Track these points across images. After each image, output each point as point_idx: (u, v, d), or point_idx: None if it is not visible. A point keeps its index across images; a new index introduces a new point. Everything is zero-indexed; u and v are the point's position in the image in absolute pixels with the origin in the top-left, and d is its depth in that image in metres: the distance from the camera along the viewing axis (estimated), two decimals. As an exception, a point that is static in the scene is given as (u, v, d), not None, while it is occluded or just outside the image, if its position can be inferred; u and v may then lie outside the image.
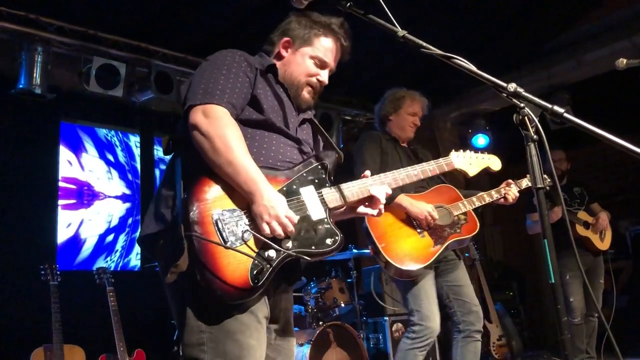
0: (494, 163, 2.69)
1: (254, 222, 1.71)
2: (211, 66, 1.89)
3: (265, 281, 1.68)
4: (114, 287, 4.32)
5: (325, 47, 2.08)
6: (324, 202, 1.86)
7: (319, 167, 1.92)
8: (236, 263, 1.65)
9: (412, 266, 3.14)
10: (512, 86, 1.46)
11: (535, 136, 1.41)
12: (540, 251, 1.46)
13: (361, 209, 2.05)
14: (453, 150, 2.60)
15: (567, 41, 6.01)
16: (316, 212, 1.83)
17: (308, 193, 1.85)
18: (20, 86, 4.66)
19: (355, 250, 5.12)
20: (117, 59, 5.07)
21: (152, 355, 4.40)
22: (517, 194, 3.36)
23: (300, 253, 1.75)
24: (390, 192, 2.07)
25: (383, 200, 2.04)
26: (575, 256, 1.69)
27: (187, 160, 1.79)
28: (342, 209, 2.02)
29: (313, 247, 1.78)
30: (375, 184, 2.02)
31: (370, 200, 2.04)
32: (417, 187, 3.41)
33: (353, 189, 1.96)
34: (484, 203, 3.35)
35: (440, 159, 2.43)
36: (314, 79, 2.08)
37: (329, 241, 1.80)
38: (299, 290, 4.79)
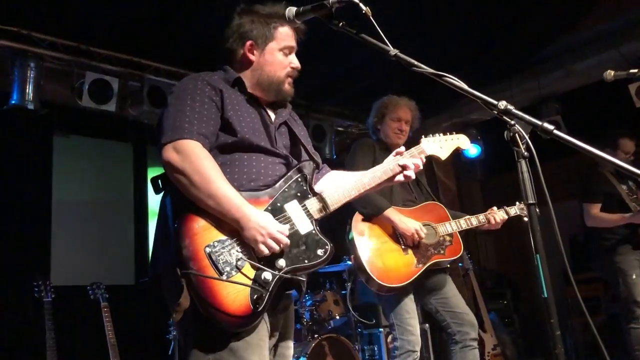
0: (463, 142, 2.60)
1: (246, 248, 1.75)
2: (175, 99, 1.90)
3: (266, 305, 1.72)
4: (108, 303, 4.31)
5: (286, 34, 2.10)
6: (309, 214, 1.90)
7: (299, 179, 1.95)
8: (235, 292, 1.69)
9: (393, 283, 3.11)
10: (502, 104, 1.48)
11: (526, 153, 1.44)
12: (533, 259, 1.47)
13: (398, 178, 2.13)
14: (423, 137, 2.50)
15: (557, 51, 6.08)
16: (303, 226, 1.86)
17: (293, 208, 1.88)
18: (13, 102, 4.66)
19: (349, 262, 5.12)
20: (110, 74, 5.08)
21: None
22: (502, 218, 3.39)
23: (294, 270, 1.79)
24: (420, 165, 2.16)
25: (411, 170, 2.12)
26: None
27: (174, 196, 1.82)
28: (376, 183, 2.08)
29: (306, 261, 1.82)
30: (359, 185, 2.06)
31: (402, 169, 2.12)
32: (405, 201, 3.40)
33: (335, 195, 1.99)
34: (470, 227, 3.36)
35: (413, 148, 2.32)
36: (289, 69, 2.11)
37: (320, 252, 1.85)
38: (294, 303, 4.79)
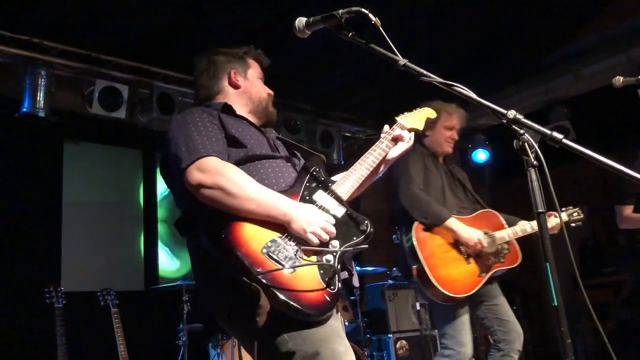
0: (430, 112, 2.54)
1: (298, 240, 1.77)
2: (179, 130, 1.94)
3: (338, 283, 1.75)
4: (118, 309, 4.34)
5: (256, 64, 2.30)
6: (338, 198, 1.94)
7: (314, 172, 1.99)
8: (308, 281, 1.71)
9: (458, 293, 3.08)
10: (511, 113, 1.49)
11: (535, 162, 1.44)
12: (543, 264, 1.48)
13: (393, 153, 2.21)
14: (395, 117, 2.43)
15: (565, 56, 6.08)
16: (338, 210, 1.91)
17: (321, 197, 1.93)
18: (24, 110, 4.70)
19: (358, 268, 5.14)
20: (120, 81, 5.13)
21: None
22: (556, 224, 3.29)
23: (349, 246, 1.83)
24: (411, 135, 2.25)
25: (407, 137, 2.23)
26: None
27: (207, 223, 1.81)
28: (379, 160, 2.15)
29: (354, 238, 1.87)
30: (367, 165, 2.11)
31: (397, 141, 2.21)
32: (458, 208, 3.36)
33: (352, 178, 2.04)
34: (525, 234, 3.30)
35: (394, 125, 2.32)
36: (268, 93, 2.27)
37: (362, 227, 1.90)
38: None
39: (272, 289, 1.65)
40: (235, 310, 1.83)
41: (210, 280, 1.90)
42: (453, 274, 3.11)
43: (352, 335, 4.99)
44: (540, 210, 1.46)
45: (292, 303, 1.65)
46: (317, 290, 1.70)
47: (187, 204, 1.91)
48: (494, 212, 3.43)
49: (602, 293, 6.41)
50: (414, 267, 3.14)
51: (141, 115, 5.30)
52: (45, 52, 4.79)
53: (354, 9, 1.73)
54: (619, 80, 3.14)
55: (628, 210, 4.34)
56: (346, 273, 1.91)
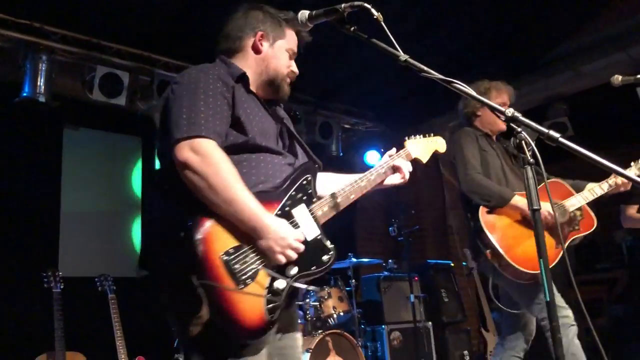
0: (441, 145, 2.53)
1: (261, 255, 1.72)
2: (187, 91, 1.82)
3: (280, 313, 1.71)
4: (115, 295, 4.37)
5: (293, 38, 2.12)
6: (315, 219, 1.89)
7: (304, 182, 1.92)
8: (251, 302, 1.66)
9: (538, 269, 3.02)
10: (509, 111, 1.51)
11: (532, 160, 1.47)
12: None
13: (387, 181, 2.18)
14: (406, 138, 2.43)
15: (565, 53, 6.08)
16: (310, 231, 1.86)
17: (300, 213, 1.87)
18: (24, 94, 4.70)
19: (354, 259, 5.17)
20: (120, 68, 5.13)
21: (153, 363, 4.44)
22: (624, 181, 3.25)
23: (303, 276, 1.79)
24: (410, 168, 2.21)
25: (407, 173, 2.19)
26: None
27: (181, 196, 1.74)
28: (372, 186, 2.11)
29: (313, 267, 1.82)
30: (357, 189, 2.06)
31: (395, 171, 2.18)
32: (521, 185, 3.19)
33: (338, 199, 1.99)
34: (596, 197, 3.24)
35: (401, 151, 2.30)
36: (290, 70, 2.12)
37: (325, 258, 1.85)
38: (303, 298, 4.84)
39: (215, 302, 1.62)
40: (173, 304, 1.79)
41: (168, 245, 1.80)
42: (529, 251, 3.01)
43: (347, 326, 5.04)
44: (536, 208, 1.48)
45: (225, 320, 1.63)
46: (255, 315, 1.66)
47: (171, 166, 1.78)
48: (560, 180, 3.36)
49: (595, 290, 6.46)
50: (487, 251, 3.08)
51: (141, 102, 5.31)
52: (47, 37, 4.78)
53: (356, 3, 1.73)
54: (617, 79, 3.16)
55: (632, 210, 4.35)
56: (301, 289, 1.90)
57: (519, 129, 1.49)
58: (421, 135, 2.44)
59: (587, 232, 3.22)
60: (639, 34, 5.49)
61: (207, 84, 1.83)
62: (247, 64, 2.04)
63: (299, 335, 2.08)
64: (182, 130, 1.73)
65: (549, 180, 3.27)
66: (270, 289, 1.71)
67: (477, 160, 3.28)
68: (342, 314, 4.83)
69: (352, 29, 1.78)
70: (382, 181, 2.17)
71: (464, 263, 6.48)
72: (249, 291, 1.66)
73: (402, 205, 6.90)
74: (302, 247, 1.76)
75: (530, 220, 2.98)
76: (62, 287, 4.20)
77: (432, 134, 2.48)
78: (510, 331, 3.41)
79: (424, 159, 2.39)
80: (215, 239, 1.68)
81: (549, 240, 3.09)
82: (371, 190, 2.14)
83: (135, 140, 6.08)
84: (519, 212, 3.12)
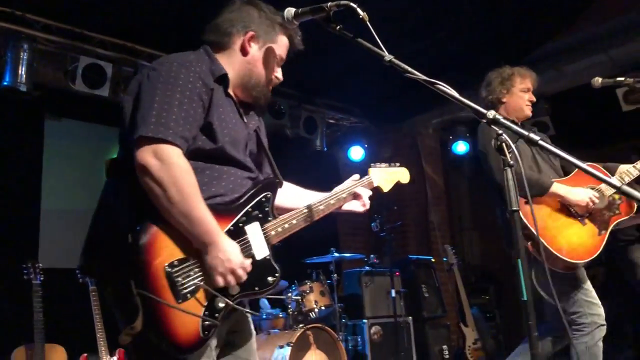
0: (404, 176, 2.48)
1: (204, 272, 1.69)
2: (164, 84, 1.72)
3: (215, 331, 1.69)
4: (96, 287, 4.34)
5: (285, 44, 2.04)
6: (267, 239, 1.86)
7: (263, 199, 1.88)
8: (188, 319, 1.64)
9: (583, 258, 2.94)
10: (491, 113, 1.54)
11: (512, 162, 1.50)
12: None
13: (346, 207, 2.16)
14: (371, 165, 2.40)
15: (548, 53, 6.15)
16: (260, 251, 1.83)
17: (253, 231, 1.83)
18: (5, 83, 4.65)
19: (336, 254, 5.20)
20: (104, 59, 5.08)
21: (133, 355, 4.41)
22: None
23: (244, 296, 1.77)
24: (370, 194, 2.19)
25: (367, 201, 2.16)
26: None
27: (133, 194, 1.69)
28: (329, 210, 2.08)
29: (256, 288, 1.79)
30: (315, 212, 2.02)
31: (355, 198, 2.16)
32: (553, 172, 3.21)
33: (294, 221, 1.95)
34: (632, 177, 3.15)
35: (364, 178, 2.28)
36: (274, 77, 2.05)
37: (270, 279, 1.82)
38: (280, 293, 4.86)
39: (151, 314, 1.60)
40: (114, 308, 1.76)
41: (105, 251, 1.75)
42: (573, 241, 2.96)
43: (328, 320, 5.07)
44: (515, 209, 1.51)
45: (161, 337, 1.61)
46: (189, 332, 1.64)
47: (129, 159, 1.71)
48: (594, 164, 3.21)
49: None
50: (528, 243, 2.91)
51: (124, 93, 5.25)
52: (29, 26, 4.73)
53: (342, 2, 1.73)
54: (597, 81, 3.20)
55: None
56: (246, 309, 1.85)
57: (500, 132, 1.52)
58: (386, 165, 2.41)
59: (628, 216, 3.13)
60: (621, 36, 5.58)
61: (187, 81, 1.74)
62: (231, 63, 1.95)
63: (253, 340, 2.03)
64: (148, 127, 1.65)
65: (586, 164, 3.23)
66: (209, 307, 1.68)
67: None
68: (323, 308, 4.86)
69: (338, 27, 1.78)
70: (341, 206, 2.16)
71: (444, 259, 6.54)
72: (187, 308, 1.63)
73: (384, 201, 6.95)
74: (244, 277, 1.73)
75: (570, 208, 2.99)
76: (42, 278, 4.17)
77: (397, 164, 2.46)
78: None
79: (386, 188, 2.36)
80: (162, 247, 1.64)
81: (590, 228, 3.04)
82: (329, 213, 2.12)
83: (118, 132, 6.02)
84: (558, 200, 3.03)
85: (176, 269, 1.64)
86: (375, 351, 5.50)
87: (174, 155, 1.66)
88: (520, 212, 2.89)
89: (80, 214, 5.64)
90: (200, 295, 1.67)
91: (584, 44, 5.82)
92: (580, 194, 3.00)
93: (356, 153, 7.30)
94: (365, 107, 7.18)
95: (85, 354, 4.24)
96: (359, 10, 1.70)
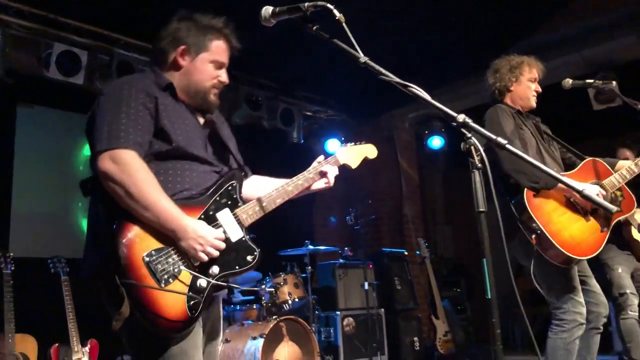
0: (371, 151, 2.49)
1: (182, 256, 1.82)
2: (110, 104, 1.90)
3: (202, 310, 1.81)
4: (68, 277, 4.32)
5: (220, 48, 2.13)
6: (239, 222, 1.97)
7: (229, 188, 2.00)
8: (173, 300, 1.76)
9: (586, 254, 2.95)
10: (461, 117, 1.58)
11: (479, 165, 1.54)
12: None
13: (315, 186, 2.24)
14: (339, 145, 2.45)
15: (520, 51, 6.21)
16: (234, 234, 1.94)
17: (224, 216, 1.95)
18: (-23, 69, 4.57)
19: (311, 246, 5.24)
20: (79, 46, 5.02)
21: (106, 346, 4.41)
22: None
23: (226, 275, 1.89)
24: (337, 173, 2.27)
25: (332, 179, 2.25)
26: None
27: (108, 203, 1.83)
28: (299, 191, 2.17)
29: (237, 267, 1.92)
30: (284, 193, 2.12)
31: (323, 177, 2.24)
32: (556, 165, 3.19)
33: (263, 203, 2.05)
34: (634, 174, 3.15)
35: (329, 157, 2.32)
36: (216, 81, 2.13)
37: (249, 258, 1.95)
38: (254, 284, 4.89)
39: (137, 299, 1.71)
40: (104, 301, 1.87)
41: (96, 246, 1.90)
42: (576, 236, 2.95)
43: (301, 312, 5.12)
44: (481, 210, 1.56)
45: (150, 319, 1.72)
46: (177, 312, 1.75)
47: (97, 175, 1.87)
48: (597, 159, 3.24)
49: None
50: (533, 236, 2.91)
51: (99, 82, 5.20)
52: (2, 11, 4.64)
53: (319, 2, 1.76)
54: (568, 82, 3.29)
55: None
56: (225, 291, 1.98)
57: (469, 135, 1.56)
58: (353, 143, 2.47)
59: (630, 213, 3.14)
60: (593, 37, 5.70)
61: (130, 95, 1.91)
62: (172, 76, 2.09)
63: (219, 342, 2.15)
64: (102, 142, 1.83)
65: (587, 160, 3.22)
66: (192, 288, 1.80)
67: (517, 138, 3.11)
68: (297, 300, 4.90)
69: (315, 27, 1.81)
70: (310, 186, 2.24)
71: (417, 252, 6.63)
72: (171, 288, 1.75)
73: (360, 194, 7.00)
74: (222, 245, 1.86)
75: (576, 204, 2.98)
76: (12, 268, 4.12)
77: (363, 142, 2.50)
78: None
79: (354, 165, 2.41)
80: (139, 241, 1.78)
81: (593, 225, 3.04)
82: (299, 194, 2.20)
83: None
84: (564, 194, 3.00)
85: (154, 257, 1.77)
86: (348, 343, 5.58)
87: (129, 156, 1.82)
88: (528, 205, 2.89)
89: (53, 203, 5.62)
90: (183, 278, 1.79)
91: (557, 43, 5.92)
92: (591, 190, 2.96)
93: (333, 146, 7.34)
94: (342, 100, 7.21)
95: (57, 344, 4.22)
96: (335, 11, 1.73)
